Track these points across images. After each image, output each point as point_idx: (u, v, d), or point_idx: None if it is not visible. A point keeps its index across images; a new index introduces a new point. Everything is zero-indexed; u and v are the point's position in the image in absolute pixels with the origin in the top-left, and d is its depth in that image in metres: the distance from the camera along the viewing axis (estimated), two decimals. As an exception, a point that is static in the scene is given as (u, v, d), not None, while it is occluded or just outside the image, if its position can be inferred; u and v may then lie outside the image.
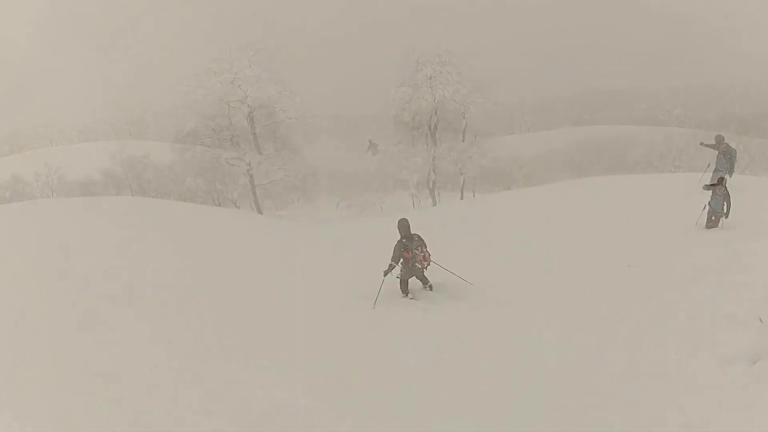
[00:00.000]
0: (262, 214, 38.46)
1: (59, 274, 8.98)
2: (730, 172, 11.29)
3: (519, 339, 6.74)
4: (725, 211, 11.46)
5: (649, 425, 4.55)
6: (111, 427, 4.60)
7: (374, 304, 7.97)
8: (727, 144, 11.45)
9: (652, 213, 14.18)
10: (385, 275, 8.13)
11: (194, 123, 41.38)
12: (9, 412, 4.63)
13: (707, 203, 11.74)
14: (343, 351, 6.64)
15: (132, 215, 18.75)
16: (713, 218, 11.66)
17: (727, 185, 11.55)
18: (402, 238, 8.19)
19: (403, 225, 8.28)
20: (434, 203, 38.91)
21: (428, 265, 8.16)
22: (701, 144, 11.92)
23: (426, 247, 8.18)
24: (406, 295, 8.39)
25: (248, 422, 4.98)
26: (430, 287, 8.47)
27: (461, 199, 39.61)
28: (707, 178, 11.62)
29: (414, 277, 8.41)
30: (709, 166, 11.83)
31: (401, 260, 8.20)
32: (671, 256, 9.60)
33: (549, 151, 53.94)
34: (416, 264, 8.09)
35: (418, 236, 8.21)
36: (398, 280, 8.37)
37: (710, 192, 11.70)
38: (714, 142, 11.61)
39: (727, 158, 11.30)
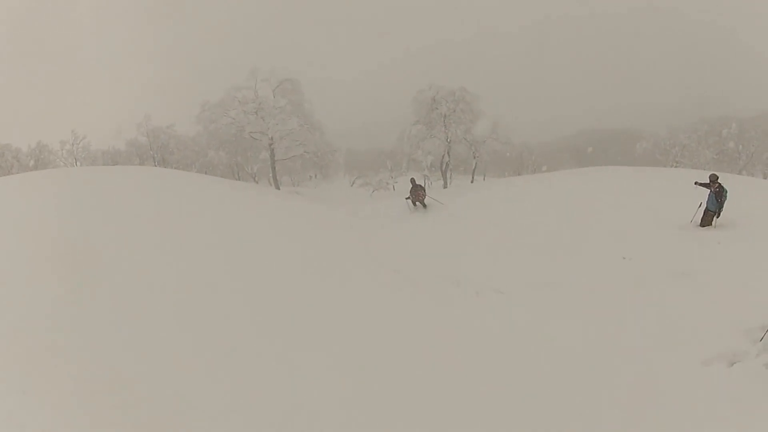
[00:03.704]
0: (279, 189, 39.45)
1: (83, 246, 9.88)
2: (719, 212, 11.87)
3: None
4: (717, 210, 11.93)
5: (633, 421, 4.66)
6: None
7: (410, 210, 18.76)
8: (719, 183, 11.90)
9: (652, 206, 14.49)
10: (407, 199, 19.11)
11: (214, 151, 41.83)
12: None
13: (703, 201, 12.20)
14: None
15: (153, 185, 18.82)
16: (707, 217, 12.11)
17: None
18: (413, 187, 18.96)
19: (413, 180, 19.80)
20: (445, 185, 39.42)
21: (423, 198, 18.78)
22: (695, 183, 12.53)
23: (424, 191, 19.00)
24: (414, 210, 18.78)
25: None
26: (424, 206, 18.85)
27: (472, 182, 40.43)
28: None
29: (418, 203, 18.95)
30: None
31: (412, 196, 18.82)
32: (664, 252, 10.18)
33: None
34: (416, 198, 18.69)
35: (421, 186, 19.21)
36: (411, 205, 19.10)
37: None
38: (708, 181, 12.20)
39: (718, 198, 11.82)
